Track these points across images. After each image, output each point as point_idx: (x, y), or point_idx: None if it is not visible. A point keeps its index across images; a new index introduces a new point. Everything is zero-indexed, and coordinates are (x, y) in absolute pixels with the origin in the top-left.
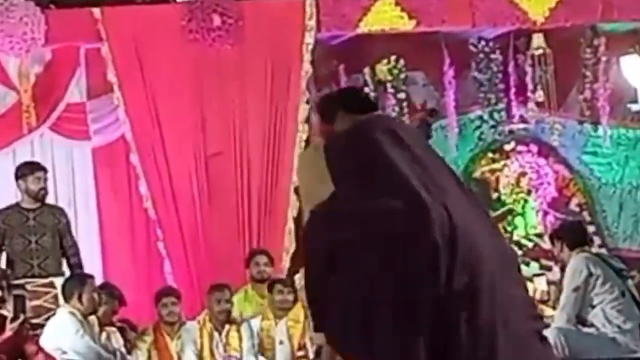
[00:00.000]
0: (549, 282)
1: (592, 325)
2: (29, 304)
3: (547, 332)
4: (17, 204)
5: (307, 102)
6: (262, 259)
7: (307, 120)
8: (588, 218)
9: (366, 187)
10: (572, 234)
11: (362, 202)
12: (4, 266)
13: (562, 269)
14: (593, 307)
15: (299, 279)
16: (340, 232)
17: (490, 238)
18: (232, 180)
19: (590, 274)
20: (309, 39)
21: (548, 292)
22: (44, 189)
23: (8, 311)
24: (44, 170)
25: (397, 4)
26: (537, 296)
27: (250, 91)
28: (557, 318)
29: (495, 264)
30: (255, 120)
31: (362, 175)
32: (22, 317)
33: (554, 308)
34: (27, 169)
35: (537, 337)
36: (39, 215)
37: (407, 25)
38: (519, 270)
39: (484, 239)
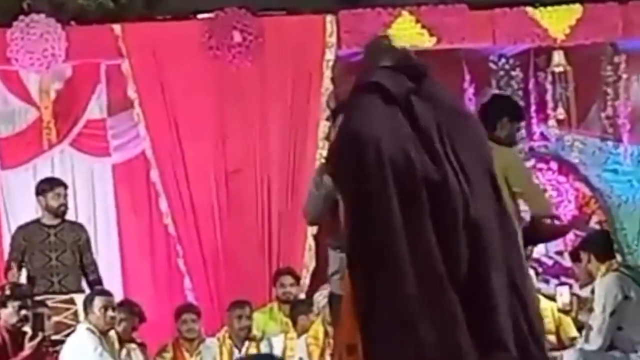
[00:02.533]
0: (572, 293)
1: (616, 347)
2: (50, 320)
3: (570, 353)
4: (38, 220)
5: (328, 119)
6: (288, 279)
7: (327, 137)
8: None
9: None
10: (600, 245)
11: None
12: (24, 282)
13: (590, 282)
14: (620, 329)
15: (318, 297)
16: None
17: (504, 240)
18: (252, 197)
19: (626, 297)
20: (330, 55)
21: (571, 303)
22: (64, 205)
23: (29, 328)
24: (64, 186)
25: (417, 21)
26: (560, 306)
27: (271, 108)
28: (592, 340)
29: (503, 268)
30: (275, 136)
31: None
32: (40, 335)
33: (575, 319)
34: (47, 185)
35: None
36: (60, 232)
37: (427, 42)
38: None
39: (498, 240)
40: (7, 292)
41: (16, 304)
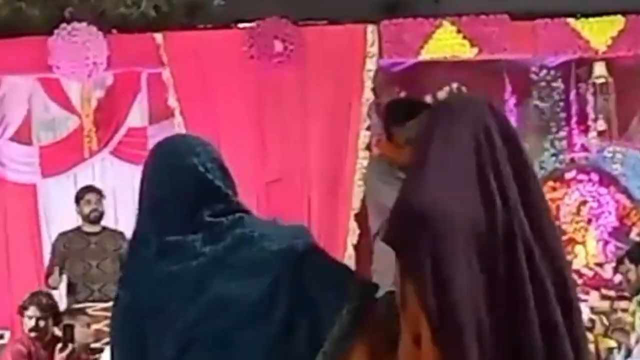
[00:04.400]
0: (594, 311)
1: None
2: (90, 328)
3: None
4: (79, 228)
5: (368, 129)
6: None
7: (368, 147)
8: None
9: None
10: None
11: None
12: (64, 290)
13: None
14: None
15: None
16: None
17: None
18: (291, 206)
19: None
20: (371, 65)
21: (592, 320)
22: (96, 210)
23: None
24: (96, 192)
25: (459, 31)
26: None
27: (311, 117)
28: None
29: None
30: (315, 146)
31: None
32: (70, 346)
33: (606, 336)
34: (81, 193)
35: None
36: (100, 240)
37: (468, 52)
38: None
39: None
40: (27, 302)
41: (31, 313)
